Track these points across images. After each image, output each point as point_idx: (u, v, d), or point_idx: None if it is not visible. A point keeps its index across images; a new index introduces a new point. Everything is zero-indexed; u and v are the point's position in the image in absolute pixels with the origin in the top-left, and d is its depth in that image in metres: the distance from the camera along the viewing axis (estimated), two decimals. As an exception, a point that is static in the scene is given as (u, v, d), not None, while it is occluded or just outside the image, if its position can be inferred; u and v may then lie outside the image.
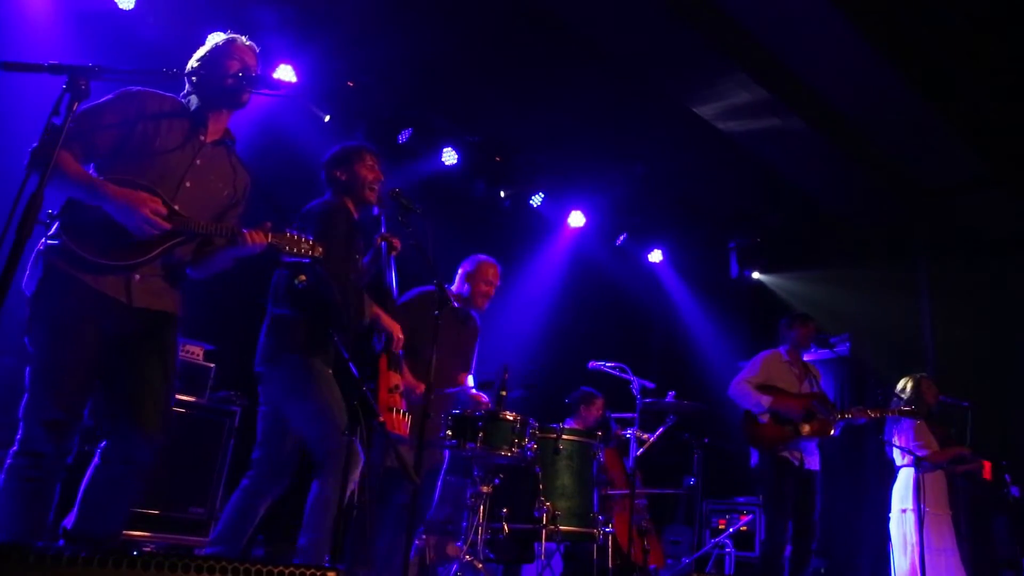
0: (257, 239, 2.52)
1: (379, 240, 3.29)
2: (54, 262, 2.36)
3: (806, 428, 4.80)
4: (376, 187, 3.34)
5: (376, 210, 3.34)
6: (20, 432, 2.35)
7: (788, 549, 4.77)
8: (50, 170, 1.95)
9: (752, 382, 4.96)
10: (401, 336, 3.36)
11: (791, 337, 5.17)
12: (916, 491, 4.78)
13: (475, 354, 4.32)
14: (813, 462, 4.92)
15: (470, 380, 4.27)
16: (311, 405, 2.96)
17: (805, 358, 5.28)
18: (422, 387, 3.64)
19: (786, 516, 4.76)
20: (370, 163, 3.35)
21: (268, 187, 2.94)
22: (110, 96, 2.51)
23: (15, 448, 2.35)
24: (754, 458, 5.07)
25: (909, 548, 4.94)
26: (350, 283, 3.16)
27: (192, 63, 2.70)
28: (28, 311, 2.37)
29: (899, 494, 5.16)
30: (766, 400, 4.85)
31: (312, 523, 2.85)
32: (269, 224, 2.57)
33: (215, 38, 2.73)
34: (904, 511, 5.07)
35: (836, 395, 7.12)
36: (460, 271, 4.30)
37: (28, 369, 2.36)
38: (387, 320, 3.31)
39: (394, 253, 3.28)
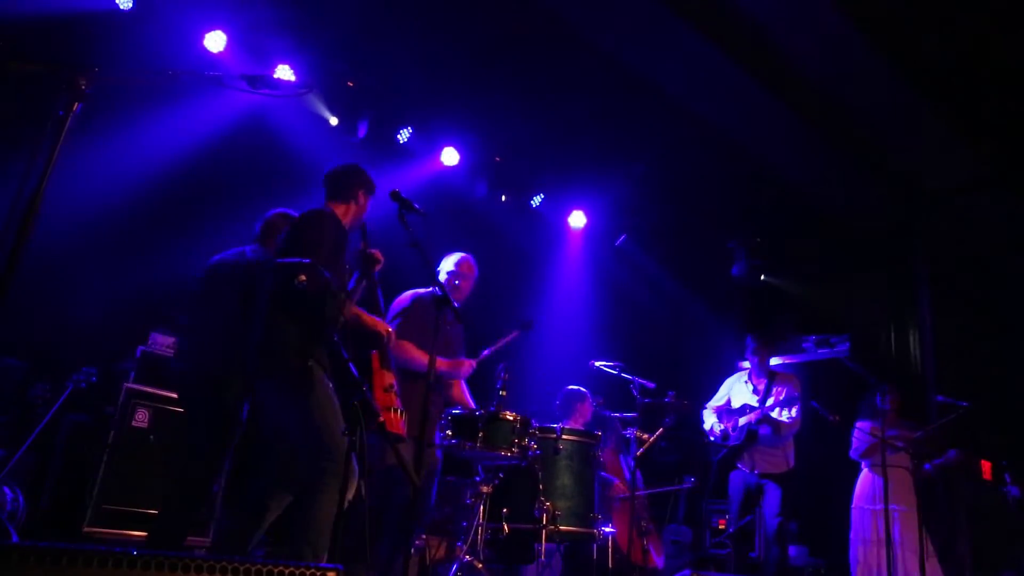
0: None
1: (362, 254, 3.35)
2: None
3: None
4: (361, 219, 3.44)
5: (352, 237, 3.42)
6: None
7: (774, 552, 4.87)
8: None
9: (713, 406, 5.40)
10: (389, 330, 3.35)
11: (750, 357, 5.43)
12: (880, 489, 4.86)
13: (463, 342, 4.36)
14: (765, 466, 5.08)
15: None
16: (308, 419, 2.92)
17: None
18: (442, 363, 3.76)
19: (740, 520, 5.01)
20: (365, 201, 3.42)
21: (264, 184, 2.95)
22: None
23: None
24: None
25: (876, 546, 5.05)
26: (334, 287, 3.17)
27: None
28: None
29: (864, 492, 5.34)
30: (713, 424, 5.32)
31: (307, 536, 2.83)
32: None
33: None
34: (868, 509, 5.25)
35: (835, 395, 7.10)
36: (445, 269, 4.25)
37: None
38: (369, 319, 3.30)
39: (377, 267, 3.36)
